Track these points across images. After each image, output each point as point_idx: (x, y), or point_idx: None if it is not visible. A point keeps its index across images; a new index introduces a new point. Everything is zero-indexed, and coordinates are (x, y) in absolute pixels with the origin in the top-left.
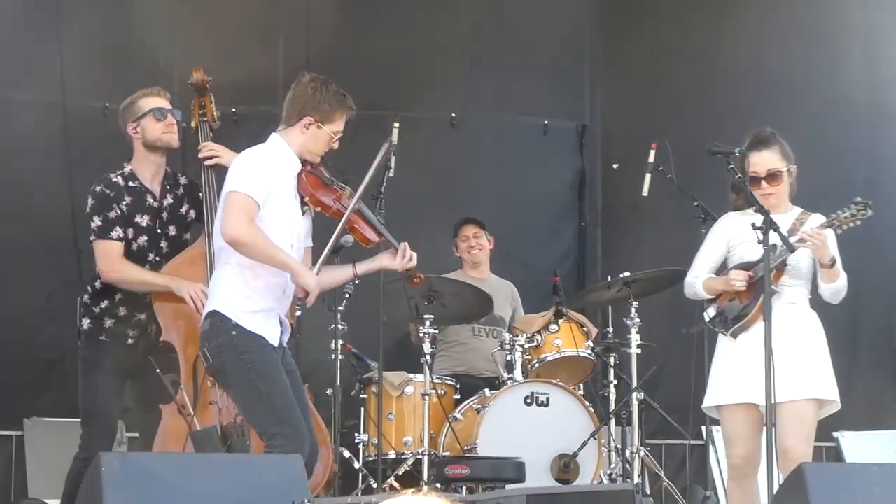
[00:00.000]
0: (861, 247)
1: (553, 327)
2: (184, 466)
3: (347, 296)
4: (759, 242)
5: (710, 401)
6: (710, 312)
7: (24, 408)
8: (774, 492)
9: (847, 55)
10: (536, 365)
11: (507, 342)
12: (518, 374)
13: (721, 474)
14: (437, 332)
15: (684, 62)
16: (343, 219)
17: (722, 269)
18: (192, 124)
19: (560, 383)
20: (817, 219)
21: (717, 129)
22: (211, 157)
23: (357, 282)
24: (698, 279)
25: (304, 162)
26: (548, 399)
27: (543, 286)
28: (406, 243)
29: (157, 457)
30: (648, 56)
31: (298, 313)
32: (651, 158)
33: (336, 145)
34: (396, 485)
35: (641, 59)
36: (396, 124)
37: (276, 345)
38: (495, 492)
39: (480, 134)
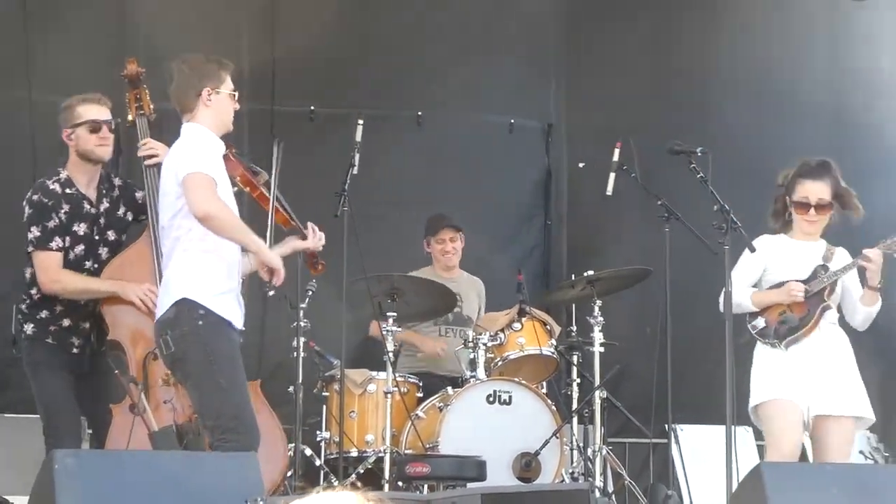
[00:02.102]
0: None
1: (516, 325)
2: (137, 464)
3: (310, 293)
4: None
5: (760, 397)
6: (759, 324)
7: None
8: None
9: (810, 56)
10: (499, 363)
11: (471, 340)
12: (481, 372)
13: (684, 473)
14: (400, 330)
15: (649, 62)
16: (271, 200)
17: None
18: (130, 118)
19: (523, 382)
20: (843, 252)
21: (681, 128)
22: (151, 156)
23: (271, 293)
24: (744, 293)
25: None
26: (510, 397)
27: (508, 284)
28: (312, 223)
29: (110, 455)
30: (614, 55)
31: (272, 293)
32: (615, 157)
33: (237, 104)
34: (358, 483)
35: (607, 58)
36: (361, 121)
37: (240, 326)
38: (449, 491)
39: (446, 132)
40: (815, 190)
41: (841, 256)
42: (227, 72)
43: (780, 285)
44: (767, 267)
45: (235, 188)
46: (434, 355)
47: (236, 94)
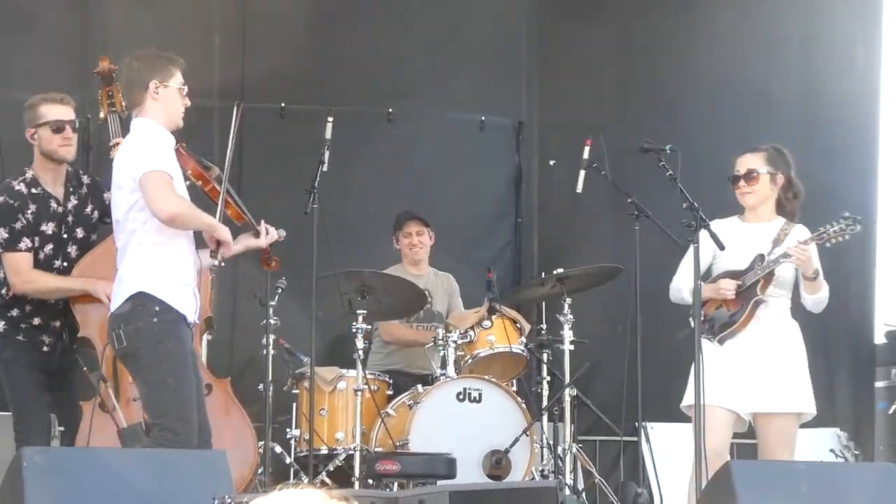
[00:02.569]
0: None
1: (486, 323)
2: (106, 461)
3: (280, 290)
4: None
5: (689, 399)
6: None
7: None
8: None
9: (783, 56)
10: (469, 361)
11: (441, 338)
12: (451, 369)
13: (655, 471)
14: (370, 327)
15: (620, 60)
16: (221, 195)
17: (707, 277)
18: (101, 115)
19: (493, 379)
20: (801, 230)
21: (651, 127)
22: None
23: (222, 265)
24: (685, 286)
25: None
26: (480, 395)
27: (478, 282)
28: (264, 221)
29: (79, 452)
30: (585, 54)
31: (220, 263)
32: (585, 155)
33: (188, 101)
34: (328, 480)
35: (578, 56)
36: (330, 119)
37: (194, 320)
38: (418, 489)
39: (418, 129)
40: (744, 162)
41: (795, 236)
42: (176, 67)
43: (717, 279)
44: (716, 255)
45: (187, 182)
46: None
47: (185, 88)
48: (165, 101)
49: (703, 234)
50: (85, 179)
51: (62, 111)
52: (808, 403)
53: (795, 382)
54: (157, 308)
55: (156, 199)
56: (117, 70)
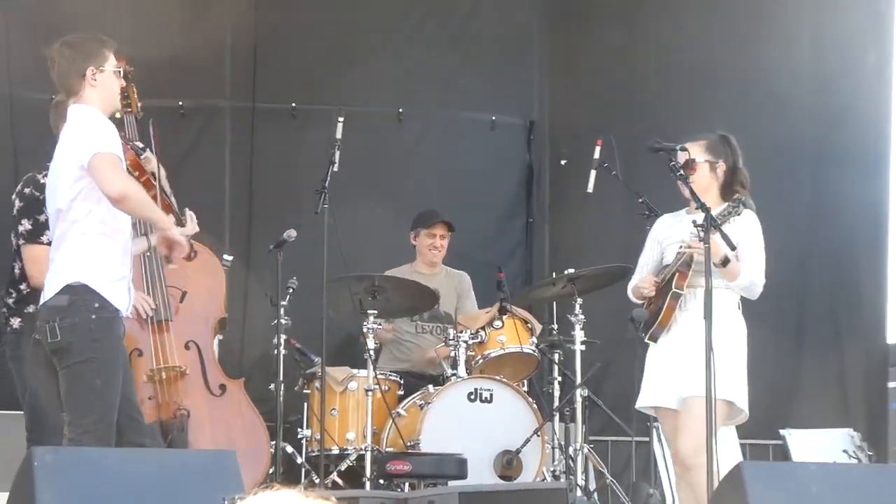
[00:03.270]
0: (808, 246)
1: (497, 323)
2: (117, 461)
3: (291, 290)
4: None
5: (641, 402)
6: (641, 317)
7: None
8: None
9: (794, 54)
10: (480, 361)
11: (451, 338)
12: (462, 370)
13: (667, 471)
14: (380, 327)
15: (631, 59)
16: (158, 185)
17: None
18: (117, 116)
19: (504, 380)
20: (747, 216)
21: (662, 126)
22: None
23: (150, 253)
24: (631, 284)
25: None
26: (491, 395)
27: (489, 282)
28: (190, 212)
29: (90, 451)
30: (596, 53)
31: (173, 266)
32: (596, 155)
33: (123, 81)
34: (339, 480)
35: (589, 55)
36: (341, 118)
37: (128, 314)
38: (427, 490)
39: (428, 129)
40: (683, 152)
41: (742, 222)
42: (109, 49)
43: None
44: (663, 249)
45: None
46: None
47: (121, 70)
48: (103, 87)
49: (655, 224)
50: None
51: None
52: (730, 392)
53: (720, 370)
54: (95, 304)
55: (106, 178)
56: (133, 71)
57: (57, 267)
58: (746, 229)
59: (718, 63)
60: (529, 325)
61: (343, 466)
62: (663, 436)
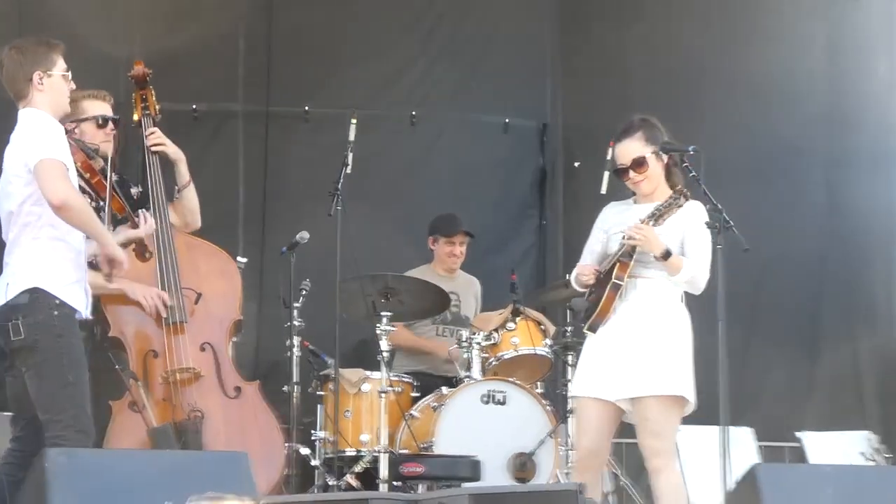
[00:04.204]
0: (822, 248)
1: (510, 325)
2: (130, 463)
3: (304, 292)
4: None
5: (576, 391)
6: (581, 306)
7: None
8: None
9: (808, 57)
10: (494, 363)
11: (465, 340)
12: (476, 371)
13: (682, 473)
14: (395, 329)
15: (644, 61)
16: (108, 187)
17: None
18: (135, 118)
19: (517, 382)
20: (689, 208)
21: (676, 128)
22: (157, 145)
23: (112, 285)
24: (573, 272)
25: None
26: (505, 397)
27: (503, 284)
28: (143, 211)
29: (102, 453)
30: (609, 55)
31: (113, 285)
32: (610, 156)
33: (73, 84)
34: (354, 482)
35: (602, 57)
36: (354, 121)
37: (86, 316)
38: (438, 491)
39: (441, 132)
40: (625, 151)
41: (682, 213)
42: (57, 53)
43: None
44: (609, 237)
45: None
46: (444, 356)
47: (69, 73)
48: (51, 91)
49: (601, 213)
50: (112, 177)
51: (105, 107)
52: (672, 386)
53: (659, 366)
54: (56, 302)
55: (48, 186)
56: (151, 74)
57: (13, 270)
58: (691, 222)
59: (733, 64)
60: (543, 326)
61: (357, 468)
62: (575, 427)
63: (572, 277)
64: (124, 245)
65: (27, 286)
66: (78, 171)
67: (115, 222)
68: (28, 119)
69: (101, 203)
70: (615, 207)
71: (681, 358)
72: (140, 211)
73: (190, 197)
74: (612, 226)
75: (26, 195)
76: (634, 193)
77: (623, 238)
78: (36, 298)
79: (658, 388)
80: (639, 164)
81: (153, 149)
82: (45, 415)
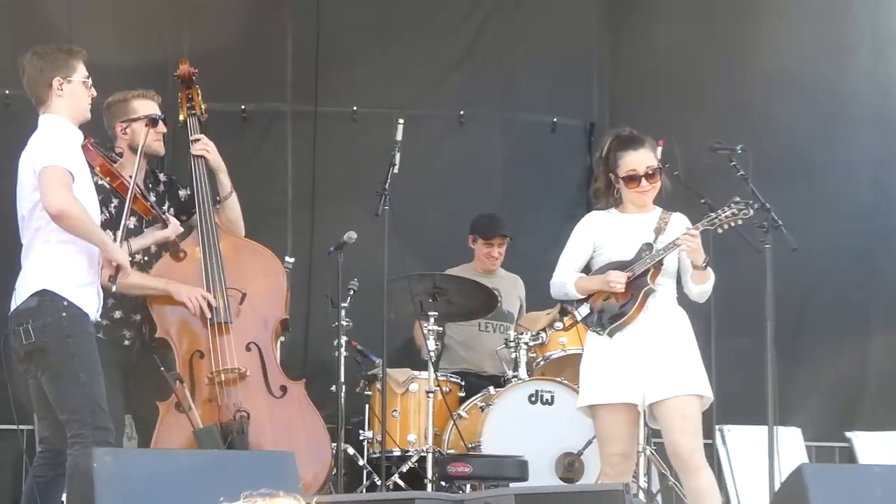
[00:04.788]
0: (870, 247)
1: (558, 325)
2: (175, 463)
3: (352, 292)
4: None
5: (587, 400)
6: (583, 311)
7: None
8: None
9: (855, 56)
10: (541, 363)
11: (512, 340)
12: (523, 371)
13: (732, 474)
14: (441, 329)
15: (692, 60)
16: (130, 190)
17: (587, 270)
18: (181, 118)
19: (565, 381)
20: (680, 218)
21: (723, 127)
22: (201, 149)
23: (134, 258)
24: (568, 279)
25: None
26: (552, 397)
27: (549, 283)
28: (168, 211)
29: (148, 453)
30: (656, 53)
31: (115, 288)
32: (658, 156)
33: (94, 91)
34: (401, 482)
35: (649, 56)
36: (401, 121)
37: (97, 318)
38: (483, 491)
39: (488, 132)
40: (641, 159)
41: (676, 224)
42: (78, 59)
43: (604, 270)
44: (597, 246)
45: (95, 178)
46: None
47: (90, 80)
48: (70, 97)
49: (585, 221)
50: (161, 177)
51: (155, 107)
52: (701, 385)
53: (688, 366)
54: (64, 303)
55: (47, 194)
56: (196, 73)
57: (25, 275)
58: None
59: (779, 63)
60: None
61: (404, 468)
62: (602, 433)
63: (565, 284)
64: (158, 245)
65: (36, 289)
66: (97, 175)
67: (148, 224)
68: (44, 125)
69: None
70: (600, 217)
71: (694, 357)
72: (167, 212)
73: (232, 207)
74: (600, 234)
75: (36, 200)
76: (619, 202)
77: (654, 245)
78: (44, 301)
79: (694, 387)
80: (653, 175)
81: (196, 153)
82: (63, 415)
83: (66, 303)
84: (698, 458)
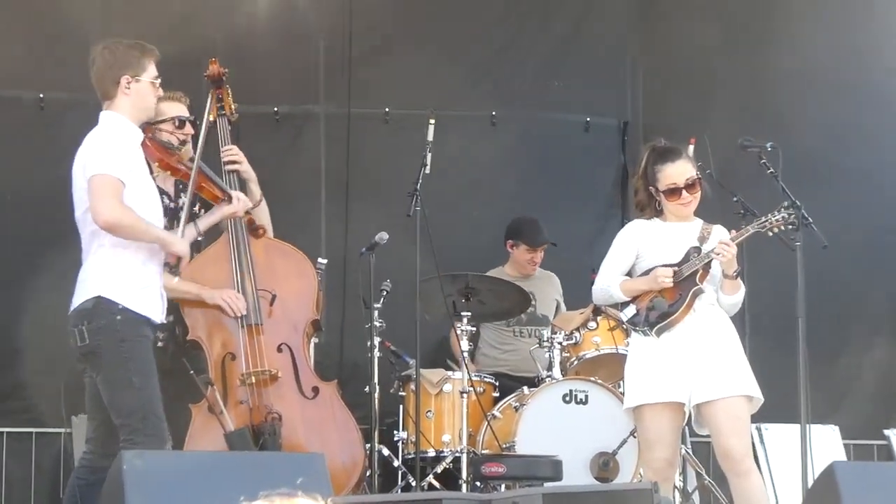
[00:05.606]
0: None
1: (592, 324)
2: (206, 465)
3: (385, 293)
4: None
5: (634, 400)
6: (629, 312)
7: (71, 406)
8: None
9: (884, 52)
10: (575, 362)
11: (546, 340)
12: (556, 371)
13: (769, 472)
14: (474, 329)
15: (725, 58)
16: (192, 180)
17: (629, 276)
18: (211, 118)
19: (599, 381)
20: (721, 230)
21: (754, 124)
22: (232, 163)
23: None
24: (612, 283)
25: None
26: (587, 397)
27: (584, 283)
28: (237, 191)
29: (179, 455)
30: (688, 51)
31: (177, 279)
32: (690, 154)
33: (161, 91)
34: (436, 483)
35: (681, 54)
36: (432, 121)
37: (160, 321)
38: (510, 491)
39: (521, 132)
40: (680, 172)
41: (717, 235)
42: (149, 59)
43: (650, 271)
44: (640, 253)
45: (155, 175)
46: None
47: (158, 81)
48: (136, 96)
49: (629, 229)
50: (199, 163)
51: (182, 108)
52: (753, 387)
53: (736, 367)
54: (120, 306)
55: (96, 205)
56: (227, 73)
57: (83, 277)
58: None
59: (814, 62)
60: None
61: (439, 469)
62: (646, 437)
63: (610, 287)
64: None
65: (92, 294)
66: (158, 171)
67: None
68: (104, 124)
69: (181, 200)
70: (643, 225)
71: (742, 358)
72: (234, 191)
73: (261, 216)
74: (644, 242)
75: (88, 203)
76: (661, 213)
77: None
78: (99, 304)
79: (744, 388)
80: (693, 185)
81: (227, 167)
82: (116, 419)
83: (120, 307)
84: (748, 461)
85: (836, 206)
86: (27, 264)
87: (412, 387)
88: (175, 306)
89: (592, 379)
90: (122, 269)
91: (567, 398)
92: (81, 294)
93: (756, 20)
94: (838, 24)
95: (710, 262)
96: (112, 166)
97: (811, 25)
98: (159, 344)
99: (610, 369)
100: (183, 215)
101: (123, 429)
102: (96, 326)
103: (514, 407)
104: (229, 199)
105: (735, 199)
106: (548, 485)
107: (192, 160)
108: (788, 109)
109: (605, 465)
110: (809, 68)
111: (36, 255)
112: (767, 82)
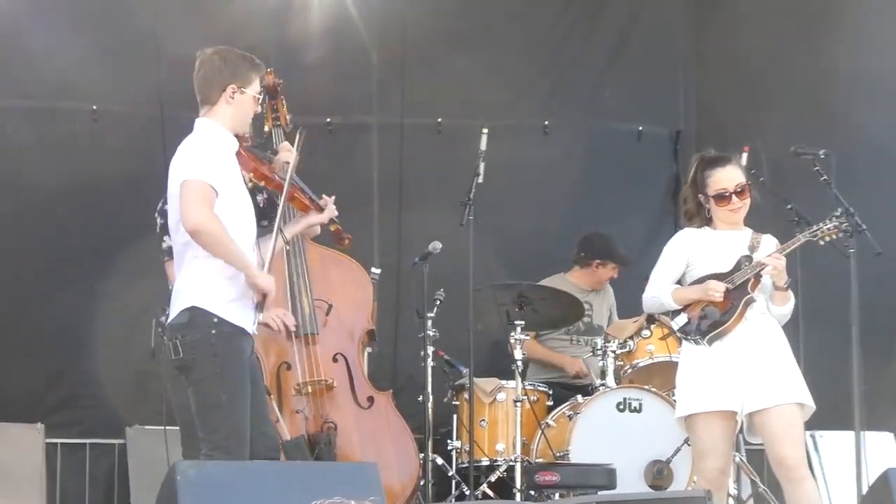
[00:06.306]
0: None
1: (645, 332)
2: (259, 475)
3: (438, 302)
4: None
5: (686, 409)
6: (681, 321)
7: (125, 417)
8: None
9: None
10: (629, 371)
11: (600, 348)
12: (610, 380)
13: (824, 480)
14: (528, 338)
15: (777, 66)
16: (284, 190)
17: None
18: (266, 129)
19: (653, 389)
20: (771, 240)
21: (807, 131)
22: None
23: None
24: (664, 291)
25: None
26: (641, 405)
27: (638, 292)
28: (327, 198)
29: (231, 465)
30: (742, 60)
31: (261, 316)
32: (744, 162)
33: (260, 108)
34: (489, 492)
35: (735, 63)
36: (485, 130)
37: (253, 331)
38: (564, 499)
39: (574, 141)
40: (729, 177)
41: (767, 244)
42: (256, 73)
43: (702, 280)
44: (690, 262)
45: (250, 184)
46: (576, 372)
47: (261, 96)
48: (238, 107)
49: (679, 237)
50: (293, 176)
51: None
52: (803, 394)
53: (788, 375)
54: (215, 320)
55: (185, 209)
56: (282, 84)
57: (178, 288)
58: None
59: (866, 69)
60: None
61: (493, 478)
62: (699, 447)
63: (661, 296)
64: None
65: (186, 305)
66: (253, 181)
67: None
68: (200, 131)
69: (273, 215)
70: (693, 233)
71: (795, 366)
72: (324, 196)
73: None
74: (694, 250)
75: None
76: (710, 221)
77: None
78: (194, 317)
79: (797, 396)
80: (743, 191)
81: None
82: (200, 432)
83: (216, 319)
84: (803, 469)
85: (891, 212)
86: (79, 277)
87: (466, 396)
88: None
89: (646, 387)
90: (216, 280)
91: (621, 406)
92: (177, 306)
93: (809, 25)
94: (892, 29)
95: (761, 271)
96: (205, 172)
97: (865, 29)
98: None
99: (664, 377)
100: (275, 227)
101: (205, 443)
102: (191, 340)
103: (568, 415)
104: (319, 209)
105: (789, 206)
106: (602, 493)
107: (284, 170)
108: (842, 115)
109: (659, 473)
110: (863, 73)
111: (88, 268)
112: (821, 87)
